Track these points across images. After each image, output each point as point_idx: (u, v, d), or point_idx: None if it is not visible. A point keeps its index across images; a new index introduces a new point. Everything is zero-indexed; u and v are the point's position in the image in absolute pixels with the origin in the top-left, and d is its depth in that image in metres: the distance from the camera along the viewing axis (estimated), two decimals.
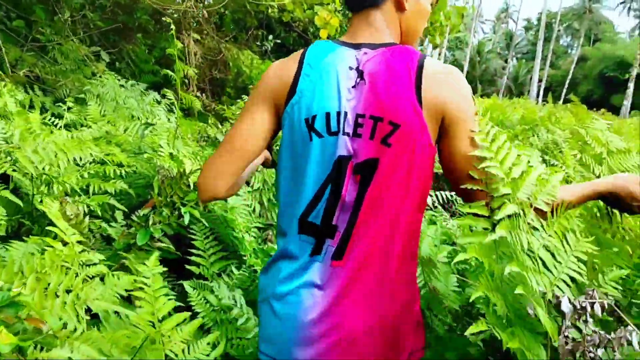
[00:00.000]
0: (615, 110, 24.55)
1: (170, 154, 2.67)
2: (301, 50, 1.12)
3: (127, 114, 3.63)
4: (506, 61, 50.44)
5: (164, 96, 4.12)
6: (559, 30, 45.51)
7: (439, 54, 32.87)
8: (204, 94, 5.55)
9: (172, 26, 2.60)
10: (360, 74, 1.03)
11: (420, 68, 1.02)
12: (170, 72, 2.80)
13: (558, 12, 41.73)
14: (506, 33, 59.35)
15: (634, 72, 25.57)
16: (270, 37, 7.27)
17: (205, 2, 5.84)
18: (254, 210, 2.59)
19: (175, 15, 5.23)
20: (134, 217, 1.95)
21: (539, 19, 48.92)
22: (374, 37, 1.10)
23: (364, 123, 1.01)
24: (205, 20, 5.73)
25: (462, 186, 1.05)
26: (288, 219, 1.08)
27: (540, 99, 31.10)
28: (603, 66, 37.93)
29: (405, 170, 1.00)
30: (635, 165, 1.65)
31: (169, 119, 3.92)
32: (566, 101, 24.24)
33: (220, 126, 3.96)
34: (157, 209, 1.94)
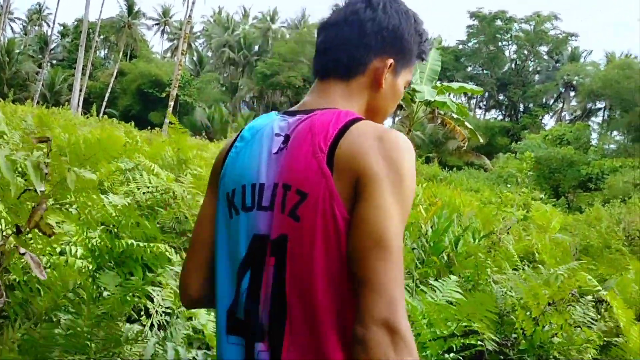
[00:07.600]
0: (155, 127, 22.93)
1: None
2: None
3: None
4: (40, 66, 43.90)
5: None
6: (97, 42, 41.45)
7: None
8: None
9: None
10: (286, 139, 0.92)
11: (344, 129, 0.88)
12: None
13: (98, 22, 38.41)
14: (39, 36, 52.97)
15: (174, 92, 23.43)
16: None
17: None
18: None
19: None
20: None
21: (76, 26, 46.43)
22: (321, 106, 0.96)
23: (277, 193, 0.89)
24: None
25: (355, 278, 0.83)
26: (218, 314, 0.96)
27: (80, 109, 28.82)
28: (140, 82, 39.48)
29: (322, 250, 0.84)
30: None
31: None
32: (106, 114, 26.10)
33: None
34: None
